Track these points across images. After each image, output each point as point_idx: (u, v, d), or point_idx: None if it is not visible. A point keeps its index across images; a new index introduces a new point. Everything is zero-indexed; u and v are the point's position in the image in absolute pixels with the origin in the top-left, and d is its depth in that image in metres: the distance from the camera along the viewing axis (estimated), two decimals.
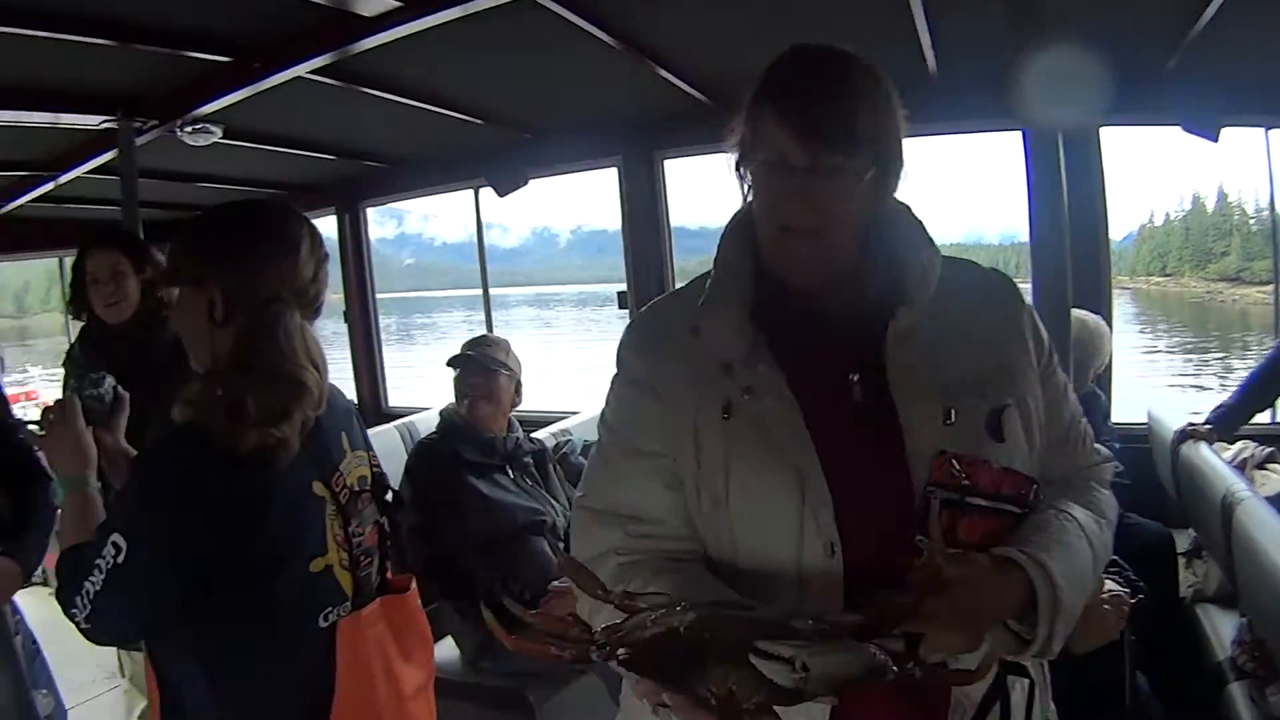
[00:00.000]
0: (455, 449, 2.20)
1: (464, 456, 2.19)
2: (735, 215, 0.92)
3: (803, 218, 0.82)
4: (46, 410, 1.30)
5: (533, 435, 2.46)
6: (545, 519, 2.26)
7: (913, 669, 0.66)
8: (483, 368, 2.25)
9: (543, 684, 2.33)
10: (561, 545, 2.21)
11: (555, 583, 2.02)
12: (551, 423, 2.99)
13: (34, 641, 1.78)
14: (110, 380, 1.49)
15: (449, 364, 2.27)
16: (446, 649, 2.37)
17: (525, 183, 3.55)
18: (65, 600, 1.11)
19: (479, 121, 3.08)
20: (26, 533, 1.64)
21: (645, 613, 0.67)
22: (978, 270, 0.95)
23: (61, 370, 2.27)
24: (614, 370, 0.94)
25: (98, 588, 1.07)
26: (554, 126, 3.33)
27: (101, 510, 1.21)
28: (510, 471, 2.28)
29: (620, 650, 0.65)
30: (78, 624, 1.12)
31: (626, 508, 0.88)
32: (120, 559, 1.05)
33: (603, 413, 0.95)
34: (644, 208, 3.42)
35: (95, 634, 1.13)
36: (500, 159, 3.47)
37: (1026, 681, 0.86)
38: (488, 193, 3.55)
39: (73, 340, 2.26)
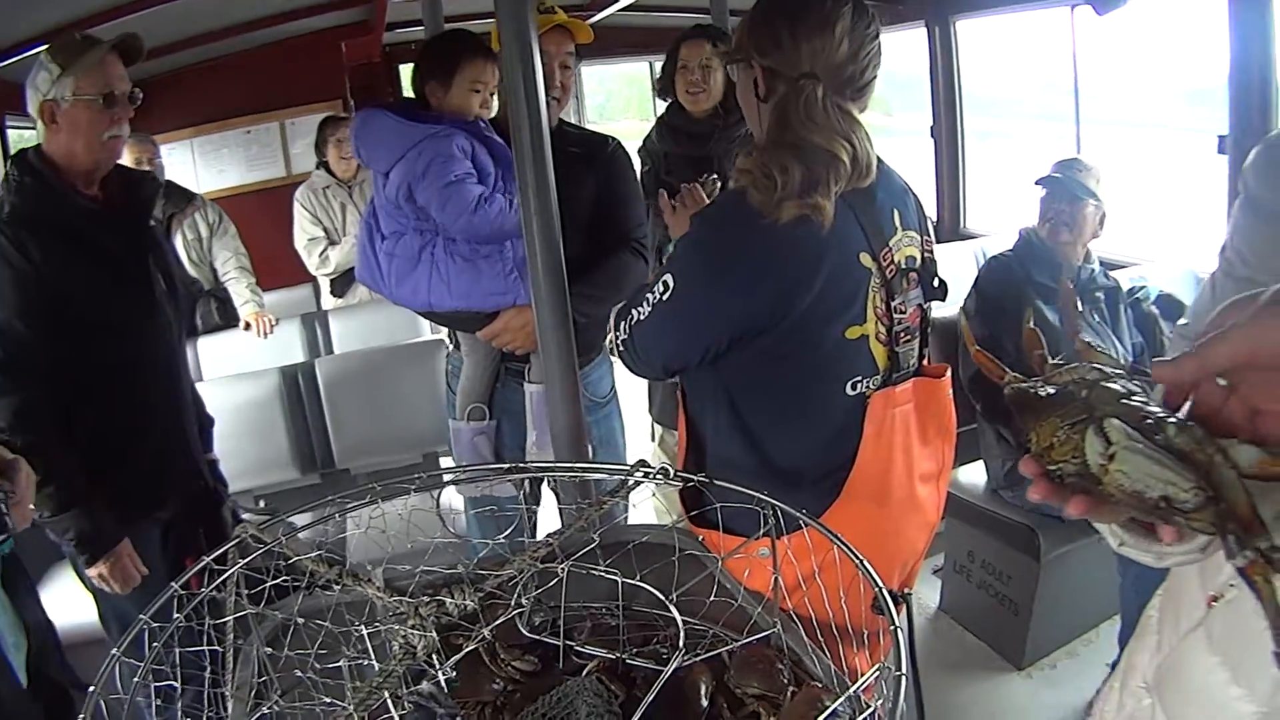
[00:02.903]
0: (1028, 270, 2.19)
1: (1035, 279, 2.17)
2: None
3: None
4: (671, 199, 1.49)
5: (1109, 272, 2.29)
6: None
7: (1247, 551, 0.48)
8: (1070, 193, 2.15)
9: (1057, 531, 2.29)
10: None
11: None
12: (1126, 266, 2.69)
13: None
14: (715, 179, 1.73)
15: (1037, 183, 2.21)
16: (973, 473, 2.48)
17: (1125, 1, 3.08)
18: (614, 323, 1.27)
19: None
20: (584, 284, 1.66)
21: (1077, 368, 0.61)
22: None
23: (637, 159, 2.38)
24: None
25: (642, 317, 1.20)
26: None
27: None
28: (1080, 304, 2.17)
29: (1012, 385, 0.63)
30: (615, 346, 1.27)
31: None
32: (666, 296, 1.17)
33: None
34: (1251, 48, 2.61)
35: (629, 358, 1.26)
36: None
37: None
38: (1083, 15, 3.14)
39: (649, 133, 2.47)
